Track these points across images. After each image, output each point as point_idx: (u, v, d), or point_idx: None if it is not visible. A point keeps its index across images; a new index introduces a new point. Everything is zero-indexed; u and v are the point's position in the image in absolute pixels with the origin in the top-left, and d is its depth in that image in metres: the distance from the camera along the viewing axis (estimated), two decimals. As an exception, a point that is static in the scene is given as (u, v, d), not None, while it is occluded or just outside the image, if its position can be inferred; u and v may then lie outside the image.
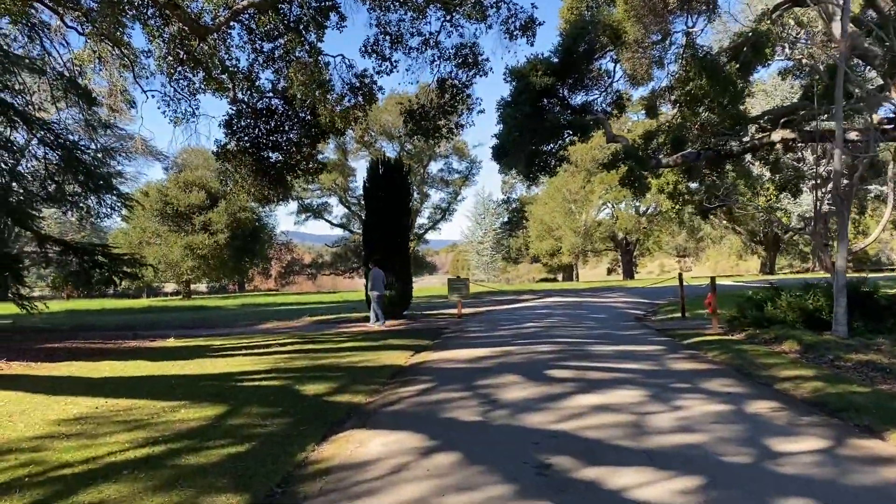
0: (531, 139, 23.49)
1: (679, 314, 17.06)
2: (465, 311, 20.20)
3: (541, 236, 63.33)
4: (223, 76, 14.91)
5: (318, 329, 17.34)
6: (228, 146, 16.61)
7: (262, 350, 12.50)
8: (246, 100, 16.31)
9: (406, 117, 16.61)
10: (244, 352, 12.34)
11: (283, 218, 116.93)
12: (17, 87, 19.38)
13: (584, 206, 58.06)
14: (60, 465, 5.31)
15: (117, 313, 27.52)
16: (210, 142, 71.28)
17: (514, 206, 75.75)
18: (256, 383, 8.81)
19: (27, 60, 18.45)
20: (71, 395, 8.07)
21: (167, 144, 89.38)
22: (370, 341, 13.56)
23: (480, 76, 15.81)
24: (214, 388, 8.45)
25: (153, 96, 16.12)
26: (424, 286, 56.94)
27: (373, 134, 57.49)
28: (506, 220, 76.29)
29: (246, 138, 16.81)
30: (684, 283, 18.27)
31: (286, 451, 5.63)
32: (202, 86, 15.10)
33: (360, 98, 15.08)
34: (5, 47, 18.56)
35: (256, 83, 15.96)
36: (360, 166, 72.55)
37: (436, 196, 66.95)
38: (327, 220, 65.51)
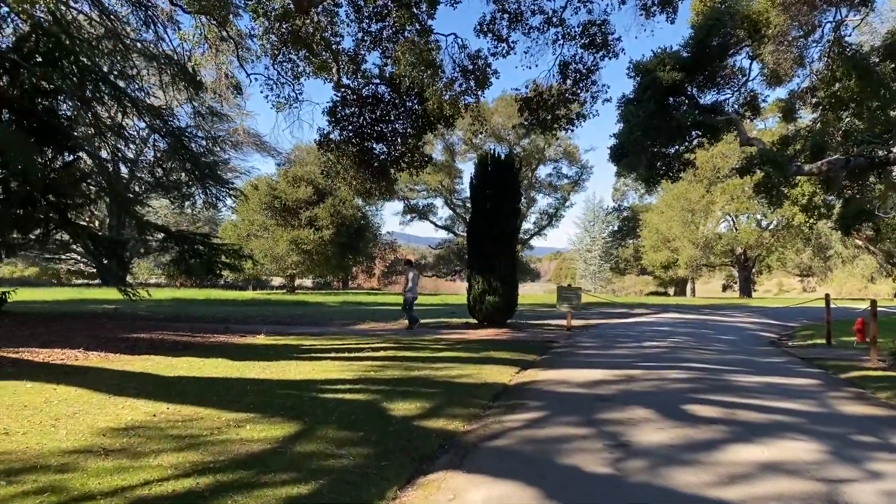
0: (654, 139, 21.74)
1: (821, 340, 14.76)
2: (574, 322, 18.47)
3: (656, 247, 60.02)
4: (326, 54, 13.96)
5: (415, 333, 16.14)
6: (331, 135, 15.77)
7: (352, 354, 11.36)
8: (351, 85, 15.38)
9: (521, 106, 15.12)
10: (333, 355, 11.23)
11: (389, 218, 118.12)
12: (130, 73, 19.42)
13: (704, 217, 54.48)
14: (80, 498, 4.20)
15: (219, 304, 27.53)
16: (313, 130, 72.29)
17: (625, 214, 72.61)
18: (339, 396, 7.58)
19: (139, 45, 18.36)
20: (133, 397, 7.11)
21: (270, 131, 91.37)
22: (470, 352, 12.16)
23: (609, 58, 14.10)
24: (291, 400, 7.29)
25: (256, 79, 15.48)
26: (526, 293, 55.14)
27: (482, 136, 56.43)
28: (616, 228, 73.21)
29: (350, 127, 15.92)
30: (809, 305, 15.78)
31: (359, 497, 4.32)
32: (306, 68, 14.25)
33: (471, 82, 13.75)
34: (120, 32, 18.58)
35: (362, 66, 15.00)
36: (467, 168, 71.90)
37: (543, 201, 65.22)
38: (432, 222, 65.14)
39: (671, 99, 21.82)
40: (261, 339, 13.70)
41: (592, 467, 5.16)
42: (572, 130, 15.44)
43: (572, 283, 59.38)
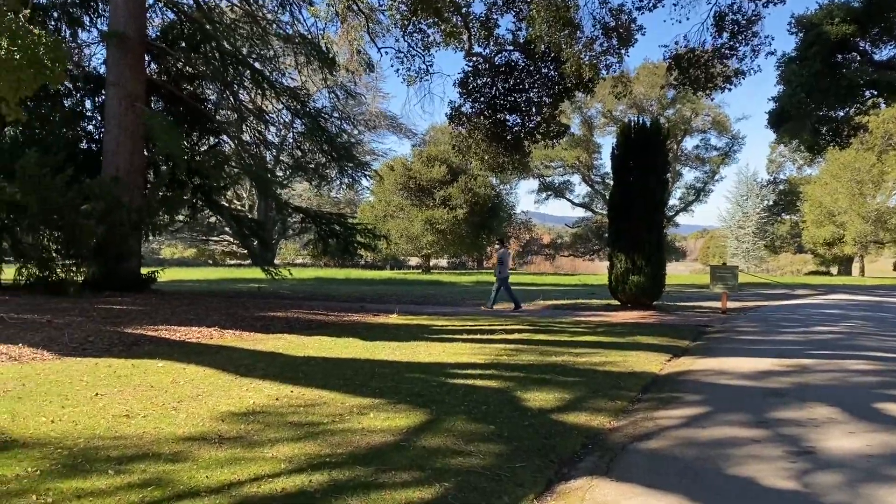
0: (820, 102, 19.49)
1: None
2: (729, 304, 16.81)
3: (818, 222, 54.97)
4: (457, 19, 13.30)
5: (552, 315, 15.28)
6: (462, 108, 15.20)
7: (484, 336, 10.72)
8: (482, 53, 14.68)
9: (670, 65, 13.71)
10: (465, 336, 10.65)
11: (524, 196, 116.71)
12: (268, 55, 19.78)
13: (874, 189, 49.20)
14: (184, 494, 3.80)
15: (356, 283, 27.99)
16: (444, 104, 72.13)
17: (781, 187, 67.09)
18: (469, 382, 6.94)
19: (275, 27, 18.60)
20: (259, 379, 6.84)
21: (400, 108, 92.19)
22: (614, 336, 11.16)
23: (773, 4, 12.36)
24: (419, 385, 6.74)
25: (387, 53, 15.23)
26: (670, 273, 52.37)
27: (622, 108, 54.04)
28: (771, 203, 67.85)
29: (482, 99, 15.27)
30: None
31: (488, 507, 3.63)
32: (436, 37, 13.70)
33: (614, 40, 12.58)
34: (257, 15, 18.92)
35: (494, 32, 14.21)
36: (606, 143, 69.38)
37: (689, 175, 61.63)
38: (568, 200, 63.59)
39: (840, 56, 19.53)
40: (393, 319, 13.42)
41: (772, 480, 4.16)
42: (729, 90, 13.89)
43: (726, 262, 55.71)
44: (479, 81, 15.06)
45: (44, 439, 4.60)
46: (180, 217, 19.16)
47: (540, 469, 4.33)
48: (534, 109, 15.06)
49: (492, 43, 14.69)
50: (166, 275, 19.88)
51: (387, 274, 44.12)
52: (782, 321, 14.29)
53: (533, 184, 61.77)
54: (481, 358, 8.44)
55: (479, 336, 10.70)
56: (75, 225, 13.07)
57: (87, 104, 18.19)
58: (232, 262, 58.88)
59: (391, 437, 4.92)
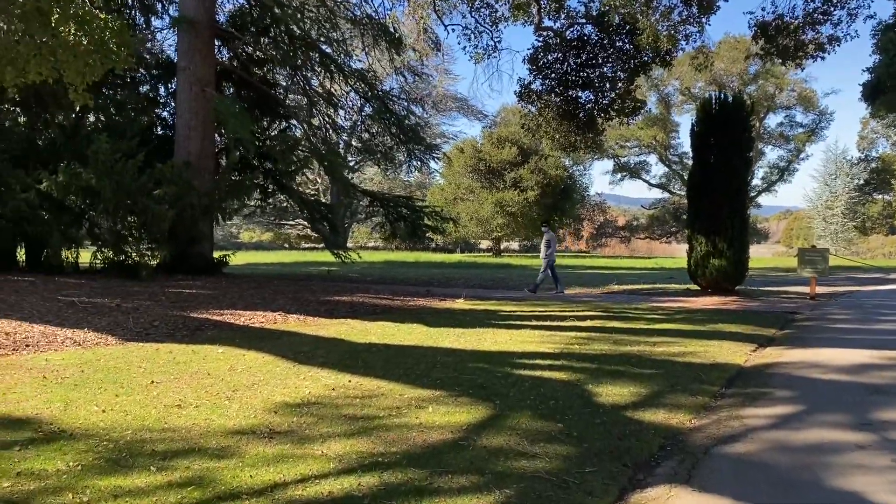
0: (921, 71, 17.93)
1: None
2: (818, 289, 15.70)
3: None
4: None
5: (626, 300, 14.63)
6: (532, 85, 14.64)
7: (554, 323, 10.24)
8: (553, 27, 14.04)
9: (756, 33, 12.72)
10: (533, 323, 10.21)
11: (597, 178, 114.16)
12: (336, 38, 19.66)
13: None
14: (225, 496, 3.56)
15: (426, 266, 27.85)
16: (513, 82, 70.74)
17: (873, 165, 63.09)
18: (537, 374, 6.53)
19: (343, 7, 18.42)
20: (318, 367, 6.63)
21: (468, 88, 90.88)
22: (693, 323, 10.49)
23: (876, -39, 11.28)
24: (482, 376, 6.38)
25: (454, 30, 14.80)
26: (752, 256, 50.19)
27: (701, 85, 51.95)
28: (861, 182, 63.94)
29: (552, 75, 14.66)
30: None
31: (552, 521, 3.26)
32: (504, 11, 13.18)
33: (693, 8, 11.75)
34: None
35: (564, 4, 13.55)
36: (684, 122, 67.06)
37: (772, 154, 58.77)
38: (644, 181, 61.79)
39: (945, 20, 17.90)
40: (460, 304, 13.09)
41: (885, 497, 3.61)
42: (822, 58, 12.77)
43: (814, 245, 52.84)
44: (549, 57, 14.46)
45: (92, 430, 4.47)
46: (251, 201, 19.33)
47: (612, 475, 3.90)
48: (608, 85, 14.36)
49: (563, 16, 14.07)
50: (241, 258, 20.18)
51: (457, 257, 43.87)
52: (880, 308, 13.23)
53: (607, 164, 60.81)
54: (550, 347, 8.00)
55: (548, 323, 10.25)
56: (147, 209, 13.27)
57: (161, 91, 18.53)
58: (307, 245, 59.91)
59: (449, 435, 4.58)
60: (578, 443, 4.44)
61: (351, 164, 40.72)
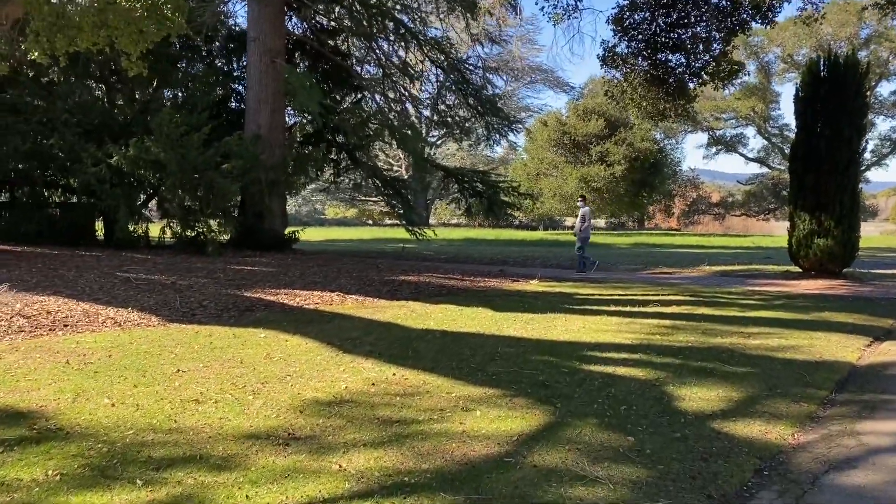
0: None
1: None
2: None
3: None
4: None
5: (718, 283, 13.42)
6: (617, 48, 13.51)
7: (634, 309, 9.28)
8: (640, -16, 12.88)
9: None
10: (611, 308, 9.28)
11: (690, 151, 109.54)
12: (410, 5, 18.98)
13: None
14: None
15: (504, 244, 27.10)
16: (595, 44, 67.82)
17: None
18: (609, 370, 5.70)
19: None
20: (363, 356, 6.02)
21: (546, 53, 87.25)
22: (794, 311, 9.29)
23: None
24: (545, 372, 5.61)
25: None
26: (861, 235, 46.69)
27: (803, 53, 48.44)
28: None
29: (639, 37, 13.51)
30: None
31: None
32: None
33: (803, -47, 10.39)
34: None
35: (654, -44, 12.36)
36: (786, 92, 63.10)
37: (884, 125, 54.54)
38: (741, 154, 58.75)
39: None
40: (533, 286, 12.26)
41: None
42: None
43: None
44: (636, 17, 13.34)
45: (91, 429, 4.01)
46: (323, 176, 19.02)
47: (694, 513, 3.11)
48: (701, 47, 13.11)
49: (651, -31, 12.88)
50: (321, 234, 20.01)
51: (538, 235, 42.75)
52: None
53: (701, 138, 57.62)
54: (627, 337, 7.11)
55: (628, 308, 9.30)
56: (213, 183, 13.06)
57: (235, 64, 18.39)
58: (390, 221, 60.07)
59: (495, 448, 3.86)
60: (652, 464, 3.65)
61: (433, 139, 40.13)
